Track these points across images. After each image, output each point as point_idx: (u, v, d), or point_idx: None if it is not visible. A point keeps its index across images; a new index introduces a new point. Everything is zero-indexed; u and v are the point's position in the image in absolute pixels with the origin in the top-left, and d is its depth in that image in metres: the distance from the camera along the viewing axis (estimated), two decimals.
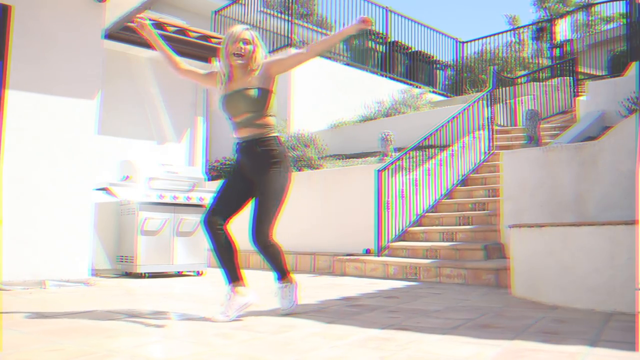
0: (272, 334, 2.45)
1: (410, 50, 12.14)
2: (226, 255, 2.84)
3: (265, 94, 2.83)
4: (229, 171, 3.02)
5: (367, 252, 6.10)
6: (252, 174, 2.86)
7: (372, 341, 2.29)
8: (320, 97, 9.52)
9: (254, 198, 2.88)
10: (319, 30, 12.78)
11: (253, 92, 2.79)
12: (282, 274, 2.99)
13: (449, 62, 13.23)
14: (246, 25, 2.92)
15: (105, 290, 4.27)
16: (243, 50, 2.79)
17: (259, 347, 2.18)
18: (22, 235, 4.36)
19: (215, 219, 2.80)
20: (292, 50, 2.76)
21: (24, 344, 2.21)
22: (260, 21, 10.78)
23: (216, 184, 7.88)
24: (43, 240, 4.45)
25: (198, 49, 6.47)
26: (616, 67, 10.72)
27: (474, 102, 7.30)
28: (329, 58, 10.66)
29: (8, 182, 4.32)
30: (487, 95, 7.71)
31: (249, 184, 2.88)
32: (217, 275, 5.97)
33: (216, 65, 3.00)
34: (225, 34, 2.89)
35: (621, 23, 14.01)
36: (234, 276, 2.85)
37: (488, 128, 7.66)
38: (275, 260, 2.93)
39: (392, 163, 6.07)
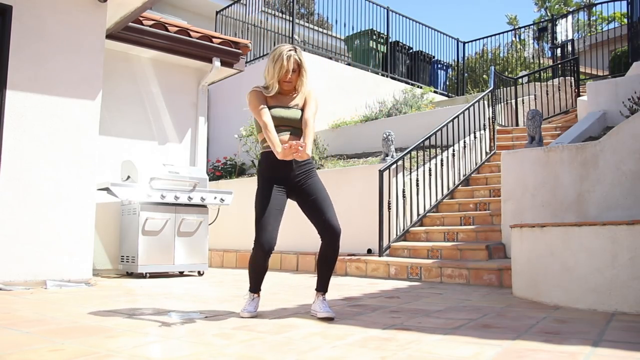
0: (271, 334, 2.44)
1: (411, 51, 12.14)
2: (264, 273, 3.06)
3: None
4: (266, 189, 2.97)
5: (370, 252, 6.10)
6: (295, 181, 3.00)
7: (372, 341, 2.28)
8: (322, 97, 9.45)
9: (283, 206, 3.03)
10: (320, 30, 12.77)
11: (300, 114, 3.02)
12: (326, 288, 3.05)
13: (450, 62, 13.23)
14: (289, 45, 3.03)
15: (106, 290, 4.27)
16: (291, 79, 3.00)
17: (259, 347, 2.17)
18: (23, 235, 4.36)
19: (267, 243, 2.88)
20: (315, 111, 2.91)
21: (24, 344, 2.20)
22: (261, 21, 10.78)
23: (217, 184, 7.94)
24: (44, 240, 4.45)
25: (200, 49, 6.47)
26: (617, 67, 10.71)
27: (475, 102, 7.29)
28: (330, 58, 10.65)
29: (8, 182, 4.32)
30: (488, 95, 7.70)
31: (284, 194, 3.01)
32: (218, 275, 5.97)
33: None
34: (271, 54, 3.00)
35: (622, 23, 14.00)
36: (259, 288, 3.09)
37: (489, 128, 7.65)
38: (332, 266, 3.03)
39: (394, 163, 6.06)
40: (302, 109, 3.04)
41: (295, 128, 2.99)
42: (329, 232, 2.95)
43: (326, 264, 3.01)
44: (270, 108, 2.97)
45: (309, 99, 3.07)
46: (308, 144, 2.91)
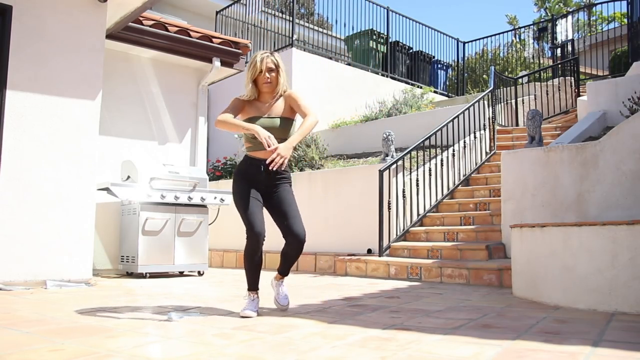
0: (271, 334, 2.44)
1: (411, 51, 12.14)
2: (259, 268, 3.13)
3: (287, 122, 3.12)
4: (243, 188, 3.08)
5: (370, 252, 6.10)
6: (269, 189, 3.11)
7: (372, 341, 2.28)
8: (322, 97, 9.51)
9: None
10: (320, 30, 12.76)
11: (278, 122, 3.09)
12: (287, 273, 3.31)
13: (450, 62, 13.23)
14: (264, 50, 3.17)
15: (106, 290, 4.27)
16: (270, 80, 3.09)
17: (259, 347, 2.17)
18: (23, 235, 4.36)
19: (262, 234, 3.00)
20: (305, 103, 2.98)
21: (24, 344, 2.20)
22: (261, 21, 10.78)
23: (217, 184, 7.93)
24: (44, 240, 4.45)
25: (200, 49, 6.47)
26: (617, 67, 10.71)
27: (475, 102, 7.29)
28: (330, 58, 10.65)
29: (8, 182, 4.32)
30: (488, 95, 7.70)
31: (260, 195, 3.12)
32: (218, 275, 5.97)
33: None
34: (250, 61, 3.13)
35: (622, 23, 14.00)
36: (257, 285, 3.13)
37: (489, 128, 7.65)
38: (294, 262, 3.26)
39: (394, 163, 6.05)
40: (284, 116, 3.11)
41: (277, 138, 3.03)
42: (295, 239, 3.06)
43: (288, 260, 3.21)
44: (249, 119, 3.07)
45: (293, 99, 3.14)
46: (303, 132, 3.02)
